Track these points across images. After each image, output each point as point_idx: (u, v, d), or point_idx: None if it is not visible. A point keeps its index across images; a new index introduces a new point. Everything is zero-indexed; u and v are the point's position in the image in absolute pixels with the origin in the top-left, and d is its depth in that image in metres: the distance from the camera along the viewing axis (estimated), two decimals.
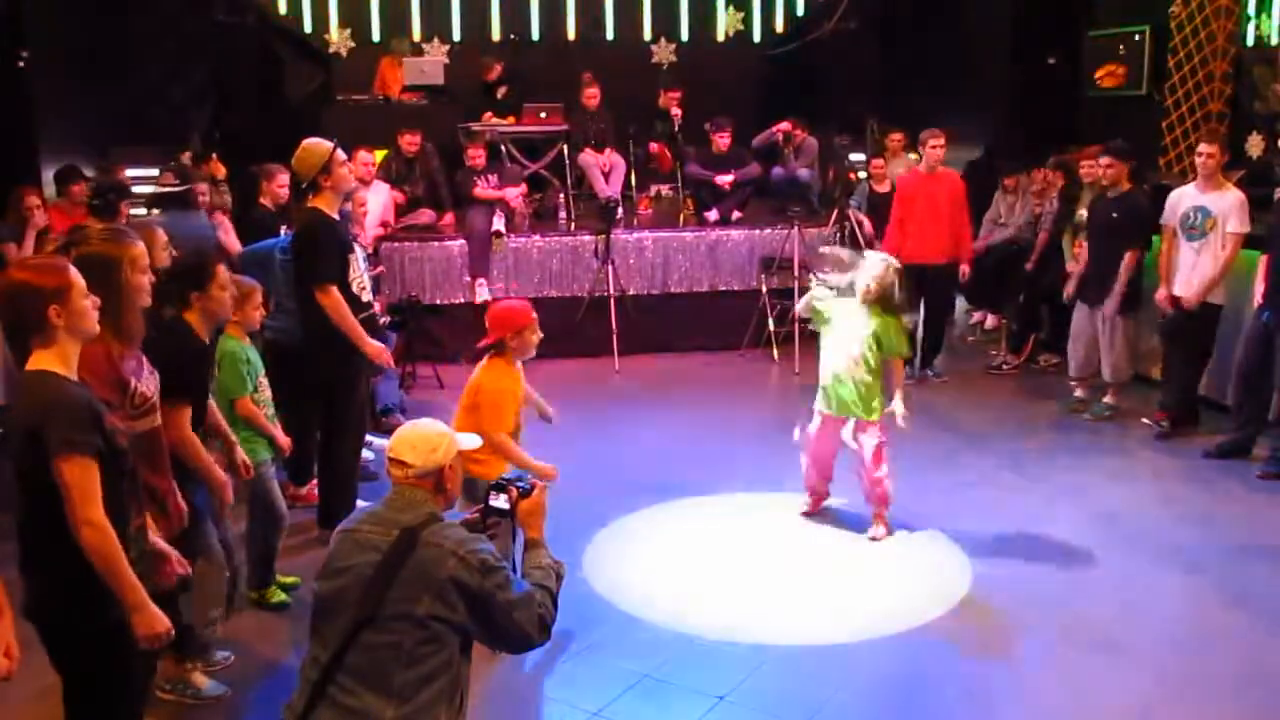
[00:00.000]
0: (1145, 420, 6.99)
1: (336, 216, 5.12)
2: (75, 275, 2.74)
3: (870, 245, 9.51)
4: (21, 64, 9.02)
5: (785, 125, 9.77)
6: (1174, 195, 6.81)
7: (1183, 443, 6.69)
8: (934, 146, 8.01)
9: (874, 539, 5.28)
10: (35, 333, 2.69)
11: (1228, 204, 6.45)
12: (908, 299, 5.32)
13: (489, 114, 10.23)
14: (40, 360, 2.70)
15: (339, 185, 5.04)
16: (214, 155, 8.60)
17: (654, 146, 10.29)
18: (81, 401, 2.69)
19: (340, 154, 5.04)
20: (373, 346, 5.08)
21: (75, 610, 2.76)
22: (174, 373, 3.50)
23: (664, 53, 12.56)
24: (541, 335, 4.36)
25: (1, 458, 2.80)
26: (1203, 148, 6.62)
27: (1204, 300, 6.58)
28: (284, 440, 4.59)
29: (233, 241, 6.98)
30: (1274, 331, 6.08)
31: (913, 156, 10.73)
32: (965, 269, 8.21)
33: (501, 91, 10.53)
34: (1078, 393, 7.40)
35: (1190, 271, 6.63)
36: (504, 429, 4.19)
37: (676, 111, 10.19)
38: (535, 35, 12.31)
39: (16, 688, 3.36)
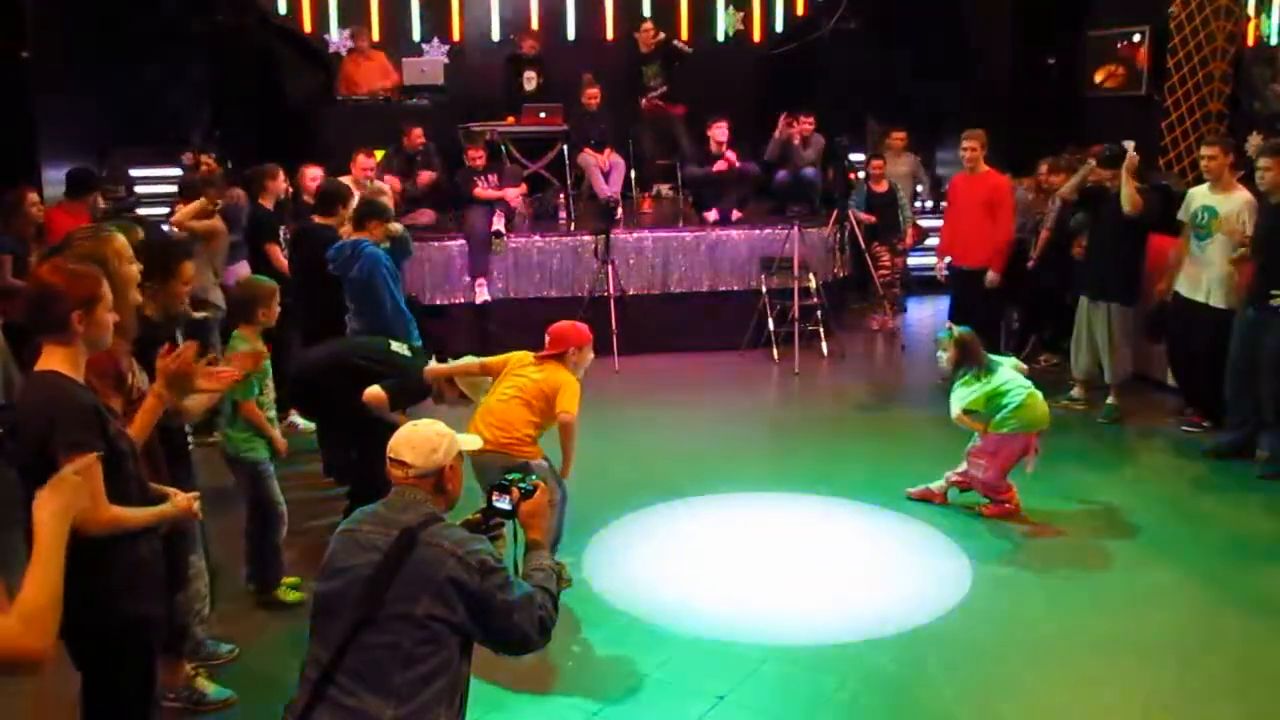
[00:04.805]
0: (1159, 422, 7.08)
1: None
2: (106, 288, 2.77)
3: (870, 245, 9.55)
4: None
5: (789, 130, 9.70)
6: (1189, 193, 6.88)
7: (1184, 442, 6.70)
8: (964, 149, 7.77)
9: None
10: (53, 333, 2.71)
11: (1236, 206, 6.47)
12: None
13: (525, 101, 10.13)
14: (50, 360, 2.72)
15: None
16: (210, 156, 8.59)
17: (645, 102, 10.25)
18: (87, 404, 2.72)
19: None
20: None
21: (89, 608, 2.76)
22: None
23: None
24: (592, 357, 4.87)
25: (1, 456, 2.81)
26: (1204, 150, 6.66)
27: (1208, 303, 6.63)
28: (282, 442, 4.60)
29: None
30: (1262, 329, 6.08)
31: (914, 156, 10.77)
32: (993, 275, 7.68)
33: (530, 76, 10.40)
34: (1074, 391, 7.42)
35: (1193, 269, 6.67)
36: (576, 410, 4.60)
37: (652, 35, 10.25)
38: None
39: (17, 688, 3.37)
